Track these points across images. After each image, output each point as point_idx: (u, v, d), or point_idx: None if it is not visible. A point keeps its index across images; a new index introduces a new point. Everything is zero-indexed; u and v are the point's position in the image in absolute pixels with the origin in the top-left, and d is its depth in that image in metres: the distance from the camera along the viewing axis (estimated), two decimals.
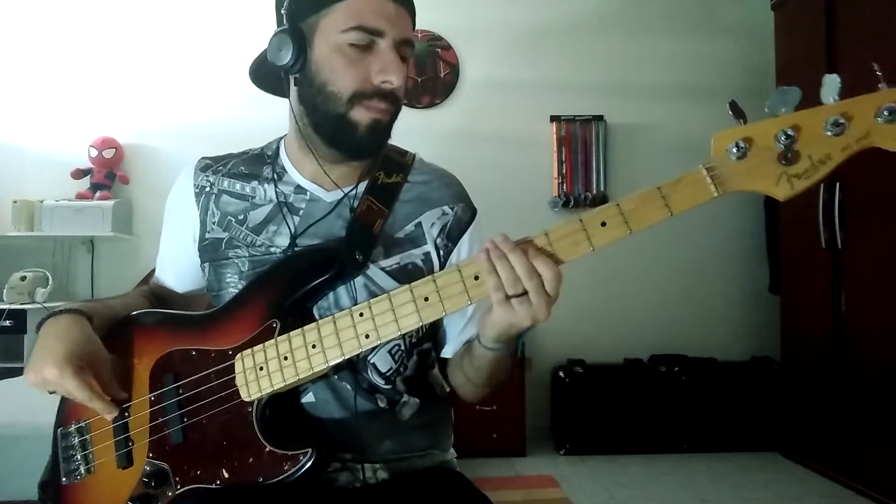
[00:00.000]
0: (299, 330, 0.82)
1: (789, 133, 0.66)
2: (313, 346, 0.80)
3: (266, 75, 0.95)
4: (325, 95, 0.86)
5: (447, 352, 0.99)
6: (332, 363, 0.80)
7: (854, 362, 2.52)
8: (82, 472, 0.89)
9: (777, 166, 0.68)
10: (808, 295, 2.80)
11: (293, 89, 0.90)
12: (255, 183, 0.97)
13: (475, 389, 0.95)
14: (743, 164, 0.69)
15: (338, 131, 0.88)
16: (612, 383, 3.07)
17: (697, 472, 2.79)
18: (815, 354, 2.75)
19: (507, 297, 0.73)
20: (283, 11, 0.88)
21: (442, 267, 0.94)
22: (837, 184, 2.52)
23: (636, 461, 2.93)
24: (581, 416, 3.05)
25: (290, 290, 0.85)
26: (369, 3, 0.84)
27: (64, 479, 0.90)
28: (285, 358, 0.81)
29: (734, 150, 0.68)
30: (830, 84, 0.66)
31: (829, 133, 0.66)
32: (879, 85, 0.64)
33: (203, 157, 1.02)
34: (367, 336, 0.79)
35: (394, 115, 0.90)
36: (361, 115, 0.86)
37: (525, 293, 0.72)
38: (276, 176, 0.97)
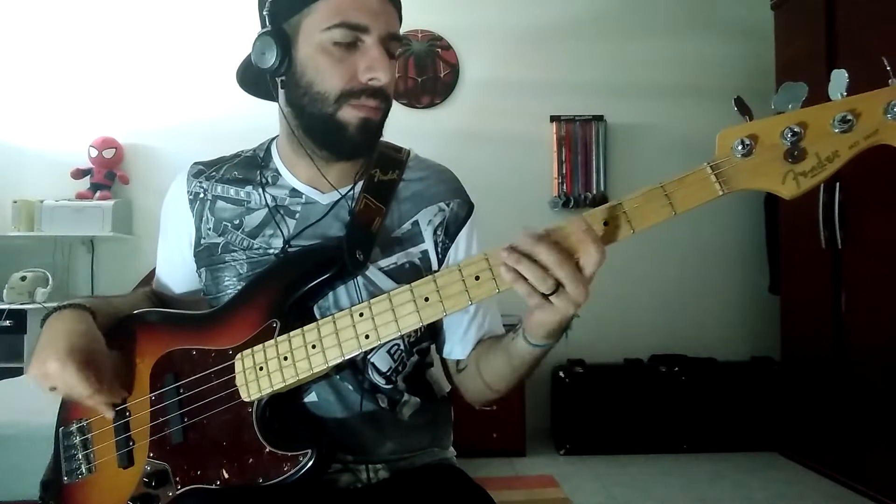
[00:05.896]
0: (299, 330, 0.81)
1: (796, 130, 0.65)
2: (313, 347, 0.80)
3: (254, 79, 0.95)
4: (311, 97, 0.85)
5: (457, 353, 0.97)
6: (332, 363, 0.80)
7: (854, 362, 2.51)
8: (83, 471, 0.89)
9: (783, 164, 0.66)
10: (808, 295, 2.80)
11: (280, 92, 0.90)
12: (249, 188, 0.96)
13: (494, 393, 0.92)
14: (748, 161, 0.67)
15: (328, 133, 0.87)
16: (612, 383, 3.07)
17: (697, 472, 2.79)
18: (815, 354, 2.75)
19: (544, 297, 0.70)
20: (264, 13, 0.87)
21: (440, 264, 0.94)
22: (837, 184, 2.52)
23: (636, 461, 2.93)
24: (581, 416, 3.05)
25: (290, 289, 0.84)
26: None
27: (65, 479, 0.90)
28: (285, 358, 0.81)
29: (739, 148, 0.66)
30: (838, 79, 0.64)
31: (836, 130, 0.64)
32: (890, 81, 0.62)
33: (195, 163, 1.02)
34: (366, 336, 0.78)
35: (385, 112, 0.89)
36: (350, 115, 0.85)
37: (558, 286, 0.69)
38: (269, 180, 0.96)
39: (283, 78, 0.87)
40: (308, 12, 0.84)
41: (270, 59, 0.85)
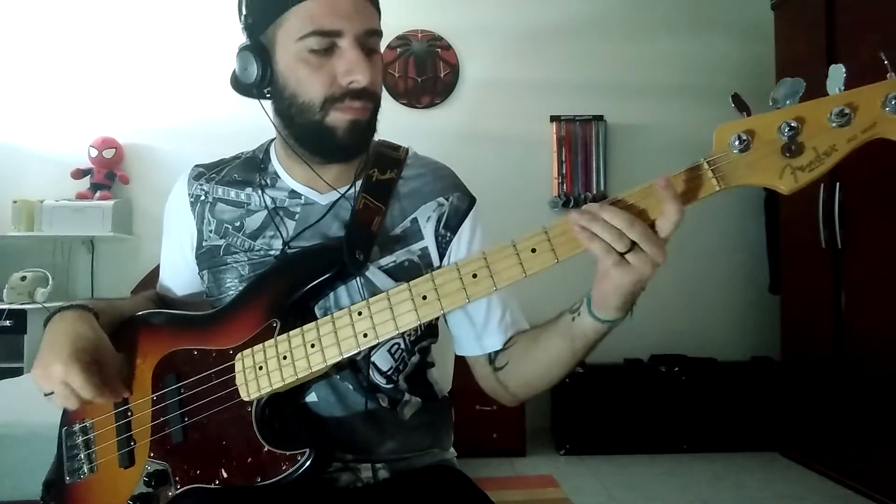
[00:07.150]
0: (298, 329, 0.82)
1: (793, 124, 0.64)
2: (312, 346, 0.80)
3: (245, 88, 0.94)
4: (297, 107, 0.86)
5: (494, 343, 0.92)
6: (331, 363, 0.80)
7: (854, 362, 2.52)
8: (85, 471, 0.90)
9: (781, 159, 0.66)
10: (808, 295, 2.80)
11: (268, 102, 0.90)
12: (249, 190, 0.97)
13: (546, 384, 0.88)
14: (745, 157, 0.67)
15: (318, 140, 0.87)
16: (612, 383, 3.07)
17: (697, 472, 2.79)
18: (815, 354, 2.75)
19: (621, 256, 0.68)
20: (243, 27, 0.88)
21: (441, 259, 0.94)
22: (837, 183, 2.52)
23: (636, 461, 2.93)
24: (581, 416, 3.05)
25: (290, 289, 0.85)
26: (322, 4, 0.82)
27: (67, 479, 0.91)
28: (284, 357, 0.81)
29: (736, 143, 0.66)
30: (835, 74, 0.64)
31: (834, 124, 0.64)
32: (889, 74, 0.62)
33: (196, 166, 1.02)
34: (364, 335, 0.79)
35: (373, 110, 0.89)
36: (337, 119, 0.85)
37: (633, 245, 0.68)
38: (268, 182, 0.96)
39: (269, 89, 0.88)
40: (280, 22, 0.84)
41: (252, 73, 0.86)
